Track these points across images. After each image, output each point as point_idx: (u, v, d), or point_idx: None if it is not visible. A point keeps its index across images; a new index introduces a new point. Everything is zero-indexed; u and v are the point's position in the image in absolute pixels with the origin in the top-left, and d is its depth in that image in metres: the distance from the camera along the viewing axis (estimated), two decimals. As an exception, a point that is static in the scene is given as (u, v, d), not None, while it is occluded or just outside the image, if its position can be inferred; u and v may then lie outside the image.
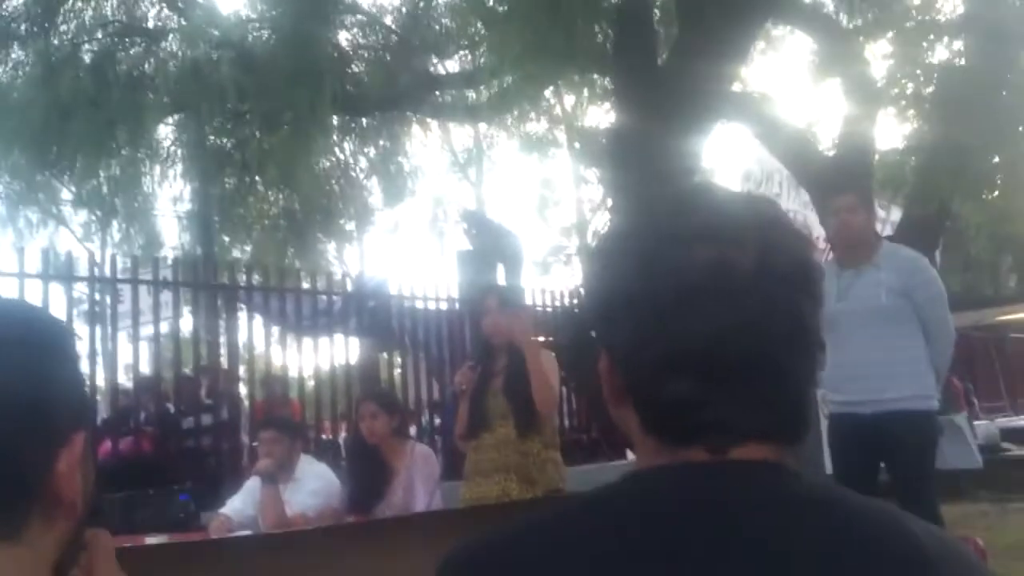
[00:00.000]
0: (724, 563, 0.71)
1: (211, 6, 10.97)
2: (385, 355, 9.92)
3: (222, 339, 8.34)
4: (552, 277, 22.62)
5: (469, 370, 4.36)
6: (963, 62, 9.70)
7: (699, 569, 0.71)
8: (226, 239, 14.22)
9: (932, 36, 10.23)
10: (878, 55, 10.76)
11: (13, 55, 9.61)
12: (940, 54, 10.40)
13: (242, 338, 8.70)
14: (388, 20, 11.68)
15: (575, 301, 10.62)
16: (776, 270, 0.77)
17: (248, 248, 15.44)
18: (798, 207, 12.18)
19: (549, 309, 10.23)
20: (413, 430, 8.07)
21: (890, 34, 10.44)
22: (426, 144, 16.99)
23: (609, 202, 14.63)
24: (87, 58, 9.69)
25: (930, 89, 9.89)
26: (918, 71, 10.11)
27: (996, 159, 9.43)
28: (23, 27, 9.48)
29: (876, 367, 3.79)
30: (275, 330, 8.64)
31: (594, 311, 0.85)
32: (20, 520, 0.75)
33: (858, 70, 9.82)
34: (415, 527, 3.73)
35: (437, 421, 9.81)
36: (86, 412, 0.88)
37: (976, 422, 11.57)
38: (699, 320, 0.76)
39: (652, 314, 0.78)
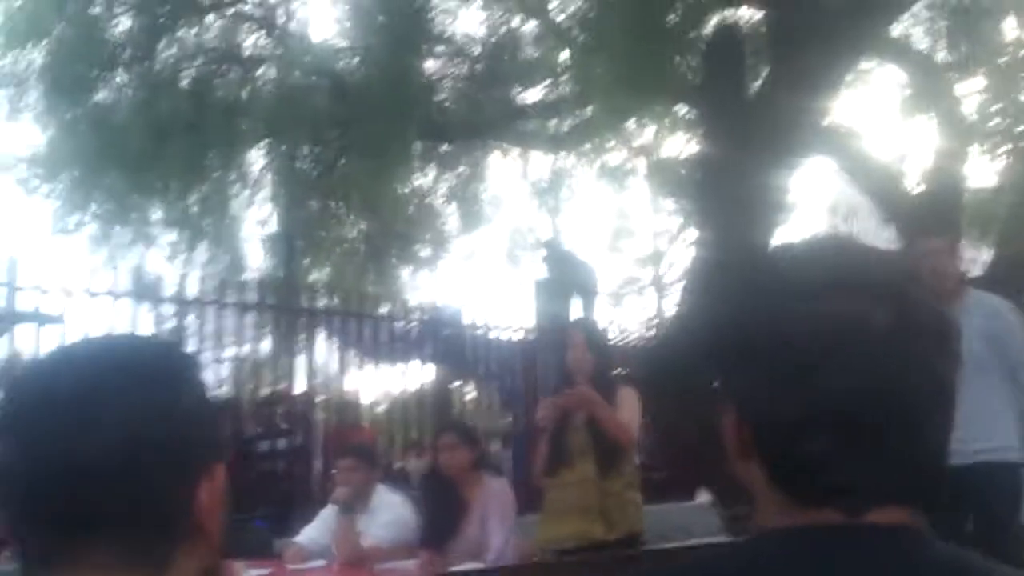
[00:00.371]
0: None
1: (306, 35, 11.25)
2: (458, 384, 9.97)
3: (300, 362, 8.47)
4: (625, 308, 22.42)
5: (552, 405, 4.32)
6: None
7: None
8: (306, 262, 14.47)
9: (1024, 74, 9.96)
10: (971, 91, 10.50)
11: (117, 79, 9.96)
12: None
13: (319, 362, 8.82)
14: (475, 49, 11.81)
15: (650, 335, 10.52)
16: (913, 327, 0.75)
17: (327, 271, 15.68)
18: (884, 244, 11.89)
19: (626, 342, 10.15)
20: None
21: (983, 70, 10.18)
22: (505, 173, 17.10)
23: (690, 233, 14.49)
24: (186, 83, 10.01)
25: (1021, 127, 9.62)
26: (1011, 108, 9.84)
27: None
28: (127, 52, 9.84)
29: (964, 418, 3.66)
30: (351, 355, 8.74)
31: (721, 362, 0.84)
32: (168, 553, 0.78)
33: (949, 106, 9.60)
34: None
35: (509, 452, 9.79)
36: (222, 442, 0.90)
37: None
38: (837, 377, 0.74)
39: (787, 369, 0.76)
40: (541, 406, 4.48)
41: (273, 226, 13.03)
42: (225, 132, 9.53)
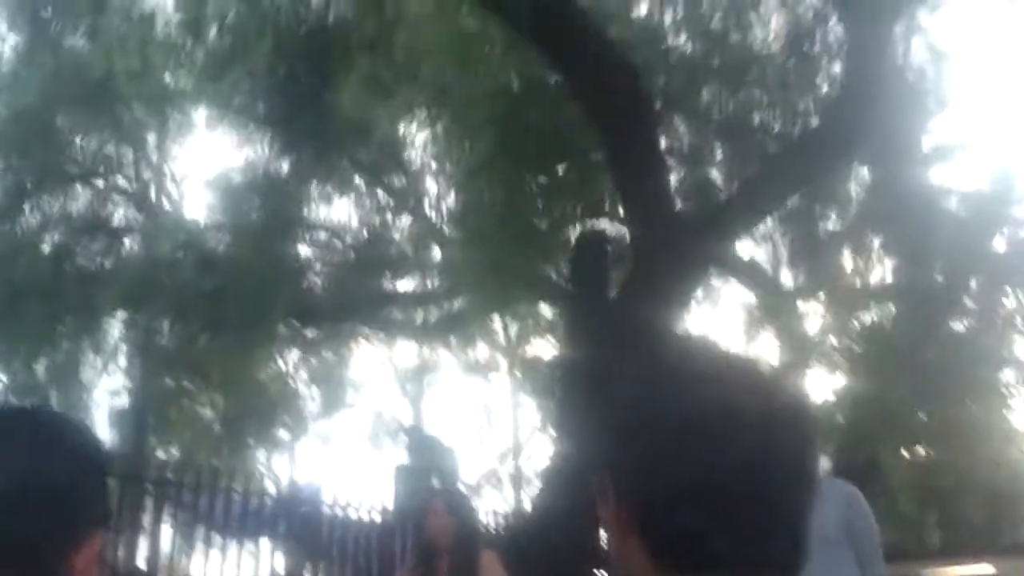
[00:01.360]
0: None
1: (178, 210, 11.29)
2: (311, 565, 9.51)
3: (144, 539, 7.94)
4: (484, 501, 22.12)
5: (411, 572, 4.26)
6: (891, 325, 10.25)
7: None
8: (155, 439, 13.84)
9: (862, 299, 10.86)
10: (812, 312, 11.36)
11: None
12: (871, 315, 10.99)
13: (164, 538, 8.28)
14: (348, 238, 12.06)
15: (509, 525, 10.42)
16: (779, 416, 0.84)
17: (176, 450, 15.00)
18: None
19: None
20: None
21: (823, 295, 11.06)
22: (370, 358, 17.11)
23: (549, 430, 14.68)
24: (47, 249, 9.78)
25: (859, 347, 10.37)
26: (849, 330, 10.64)
27: (923, 416, 9.79)
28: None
29: None
30: (200, 531, 8.26)
31: (604, 450, 0.89)
32: None
33: (791, 324, 10.31)
34: None
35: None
36: (107, 515, 0.92)
37: None
38: (710, 456, 0.80)
39: (661, 447, 0.82)
40: (401, 573, 4.39)
41: (125, 399, 12.52)
42: (83, 300, 9.27)
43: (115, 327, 11.47)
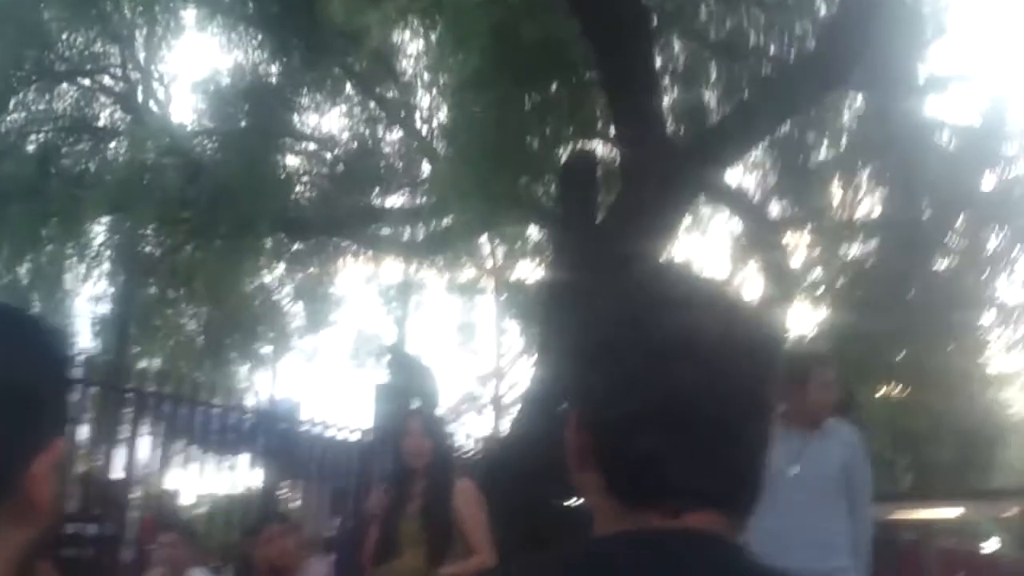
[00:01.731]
0: None
1: (166, 114, 11.11)
2: (288, 482, 9.62)
3: (121, 448, 7.99)
4: (463, 425, 22.36)
5: (384, 494, 4.25)
6: (875, 261, 10.29)
7: None
8: (137, 349, 13.86)
9: (849, 233, 10.88)
10: (798, 245, 11.37)
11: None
12: (855, 250, 11.02)
13: (142, 448, 8.32)
14: (337, 150, 11.94)
15: (485, 449, 10.55)
16: (740, 343, 0.83)
17: (159, 361, 15.04)
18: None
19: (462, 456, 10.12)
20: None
21: (810, 227, 11.07)
22: (355, 275, 17.10)
23: (531, 354, 14.77)
24: (32, 149, 9.64)
25: (842, 282, 10.41)
26: (833, 265, 10.68)
27: (901, 355, 9.88)
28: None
29: (820, 537, 3.77)
30: (178, 444, 8.33)
31: (569, 366, 0.89)
32: None
33: (777, 257, 10.32)
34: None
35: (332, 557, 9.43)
36: (67, 420, 0.88)
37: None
38: (666, 379, 0.80)
39: (625, 369, 0.81)
40: (374, 494, 4.41)
41: (107, 306, 12.50)
42: (68, 202, 9.18)
43: (99, 232, 11.41)
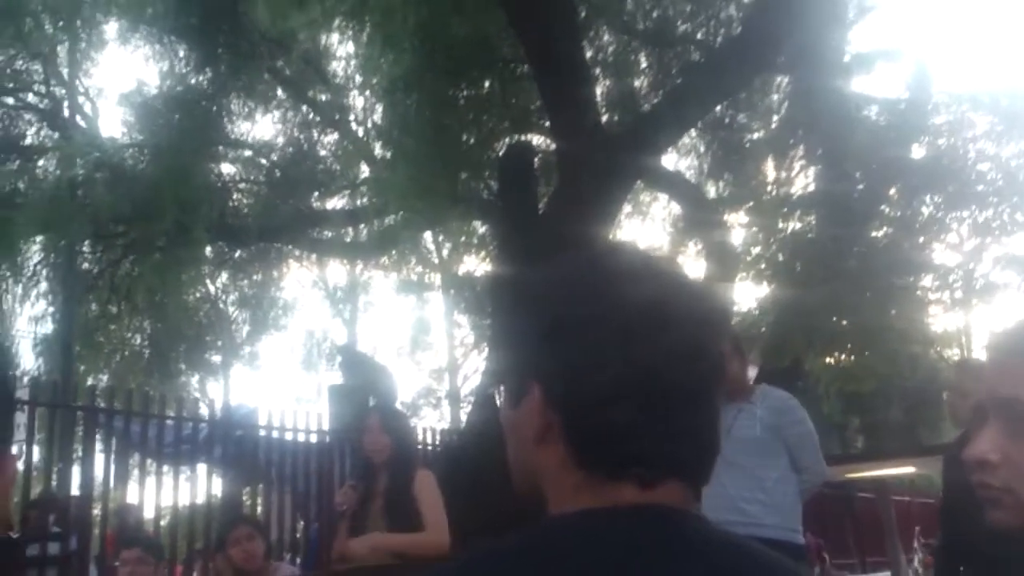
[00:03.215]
0: None
1: (94, 128, 10.89)
2: (249, 488, 9.52)
3: (76, 466, 7.85)
4: (420, 419, 22.38)
5: (351, 489, 4.22)
6: (813, 234, 10.47)
7: None
8: (82, 367, 13.61)
9: (786, 209, 11.05)
10: (737, 223, 11.52)
11: None
12: (794, 225, 11.20)
13: (99, 465, 8.18)
14: (273, 156, 11.82)
15: (445, 441, 10.56)
16: (703, 314, 0.85)
17: (105, 378, 14.80)
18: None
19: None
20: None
21: (747, 206, 11.22)
22: (301, 280, 16.97)
23: (483, 347, 14.81)
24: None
25: (783, 256, 10.58)
26: (772, 239, 10.84)
27: (844, 322, 10.08)
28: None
29: (754, 495, 4.02)
30: (134, 458, 8.20)
31: (529, 344, 0.87)
32: None
33: (718, 236, 10.45)
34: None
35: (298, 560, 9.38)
36: (11, 434, 0.88)
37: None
38: (637, 351, 0.80)
39: (597, 341, 0.81)
40: (340, 491, 4.38)
41: (48, 325, 12.27)
42: (-1, 224, 8.97)
43: (34, 251, 11.16)
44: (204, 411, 9.57)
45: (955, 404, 3.88)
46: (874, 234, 10.48)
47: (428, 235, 13.83)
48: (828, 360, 11.54)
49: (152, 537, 6.51)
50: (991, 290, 10.30)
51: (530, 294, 0.90)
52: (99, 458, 8.14)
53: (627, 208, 11.59)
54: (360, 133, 11.21)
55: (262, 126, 11.60)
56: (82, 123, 10.87)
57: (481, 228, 11.47)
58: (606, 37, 8.70)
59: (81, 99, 10.98)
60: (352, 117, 11.37)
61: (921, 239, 10.54)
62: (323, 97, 11.25)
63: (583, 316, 0.82)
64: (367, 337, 22.98)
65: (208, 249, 11.17)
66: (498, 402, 7.68)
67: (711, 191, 11.43)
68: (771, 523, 3.96)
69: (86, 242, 10.42)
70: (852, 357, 11.19)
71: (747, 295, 11.61)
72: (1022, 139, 9.63)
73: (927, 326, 12.43)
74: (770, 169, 11.32)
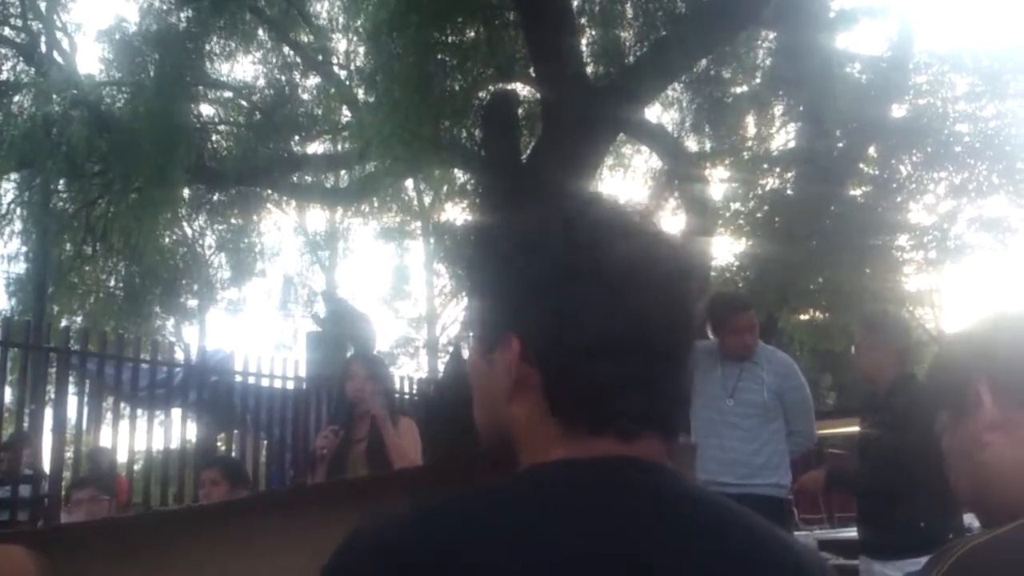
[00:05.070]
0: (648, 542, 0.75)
1: (71, 65, 10.69)
2: (224, 434, 9.53)
3: (49, 409, 7.83)
4: (398, 368, 22.45)
5: (332, 434, 4.23)
6: (792, 191, 10.52)
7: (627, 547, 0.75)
8: (55, 308, 13.51)
9: (765, 166, 11.08)
10: (718, 178, 11.56)
11: None
12: (773, 181, 11.25)
13: (72, 408, 8.15)
14: (254, 98, 11.66)
15: (425, 388, 10.64)
16: (676, 268, 0.86)
17: (79, 319, 14.70)
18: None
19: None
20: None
21: (728, 161, 11.25)
22: (280, 225, 16.86)
23: (462, 296, 14.83)
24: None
25: (761, 212, 10.63)
26: (751, 195, 10.89)
27: (820, 280, 10.18)
28: None
29: (751, 457, 4.12)
30: (108, 401, 8.17)
31: (509, 296, 0.87)
32: None
33: (698, 190, 10.48)
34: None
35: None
36: None
37: (796, 533, 12.07)
38: (618, 309, 0.80)
39: (586, 296, 0.81)
40: (321, 435, 4.40)
41: (22, 265, 12.16)
42: (-27, 160, 8.84)
43: (8, 189, 11.03)
44: (179, 355, 9.54)
45: (859, 360, 3.85)
46: (852, 192, 10.56)
47: (410, 182, 13.78)
48: (802, 317, 11.70)
49: (104, 474, 6.48)
50: (964, 251, 10.41)
51: (512, 245, 0.89)
52: (72, 400, 8.13)
53: (609, 160, 11.57)
54: (343, 77, 11.08)
55: (243, 67, 11.41)
56: (59, 59, 10.67)
57: (463, 176, 11.43)
58: (593, -14, 8.64)
59: (59, 34, 10.78)
60: (335, 60, 11.24)
61: (898, 199, 10.61)
62: (306, 39, 11.08)
63: (566, 270, 0.82)
64: (346, 284, 22.91)
65: (186, 191, 11.06)
66: (465, 352, 7.73)
67: (692, 145, 11.43)
68: (763, 481, 4.08)
69: (61, 181, 10.28)
70: (826, 315, 11.36)
71: (725, 249, 11.68)
72: (1001, 101, 9.66)
73: (901, 285, 12.60)
74: (751, 125, 11.33)
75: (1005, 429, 1.09)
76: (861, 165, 10.35)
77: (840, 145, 9.86)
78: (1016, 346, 1.12)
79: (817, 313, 11.65)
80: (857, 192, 10.67)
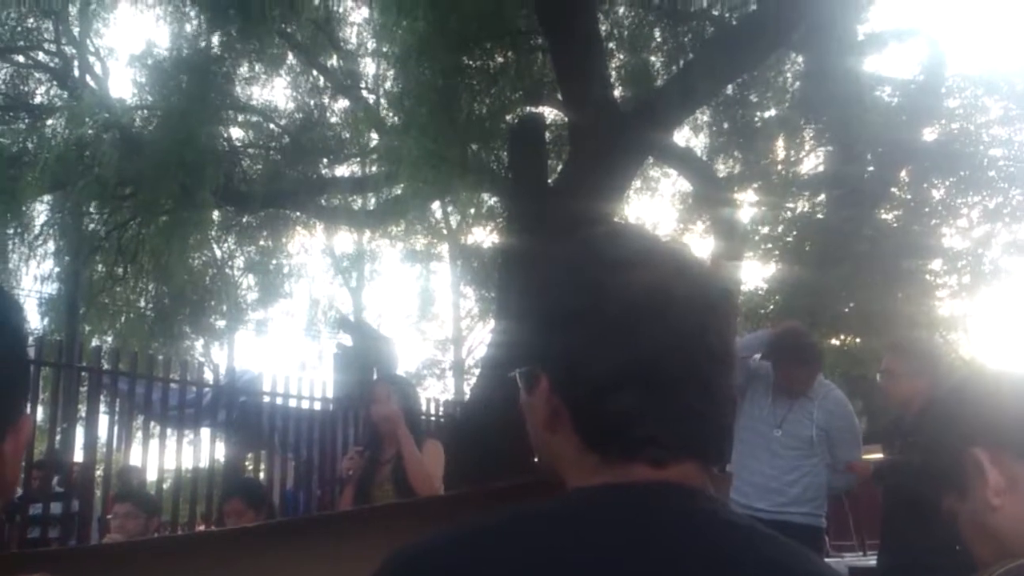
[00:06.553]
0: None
1: (103, 89, 10.84)
2: (252, 454, 9.55)
3: (80, 427, 7.89)
4: (424, 390, 22.43)
5: (357, 455, 4.22)
6: (823, 215, 10.43)
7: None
8: (87, 328, 13.65)
9: (795, 189, 11.01)
10: (747, 202, 11.49)
11: None
12: (803, 205, 11.17)
13: (102, 427, 8.21)
14: (282, 121, 11.76)
15: (451, 411, 10.61)
16: (706, 298, 0.86)
17: (110, 339, 14.83)
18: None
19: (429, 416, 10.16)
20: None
21: (757, 185, 11.18)
22: (307, 247, 16.95)
23: (490, 318, 14.81)
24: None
25: (791, 236, 10.55)
26: (781, 219, 10.81)
27: (851, 304, 10.06)
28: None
29: (787, 487, 4.15)
30: (138, 421, 8.22)
31: (533, 334, 0.90)
32: None
33: (727, 214, 10.41)
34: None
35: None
36: (29, 397, 0.86)
37: (827, 559, 11.88)
38: (644, 338, 0.82)
39: (598, 331, 0.83)
40: (347, 456, 4.39)
41: (54, 285, 12.29)
42: (7, 182, 8.96)
43: (42, 211, 11.17)
44: (208, 376, 9.58)
45: (888, 387, 3.84)
46: (884, 216, 10.45)
47: (437, 205, 13.83)
48: (833, 341, 11.56)
49: (146, 493, 6.52)
50: (999, 275, 10.26)
51: (534, 284, 0.92)
52: (103, 419, 8.19)
53: (637, 183, 11.53)
54: (371, 100, 11.14)
55: (272, 91, 11.58)
56: (92, 83, 10.82)
57: (490, 200, 11.45)
58: (621, 10, 8.63)
59: (91, 59, 10.92)
60: (363, 84, 11.31)
61: (932, 223, 10.49)
62: (334, 63, 11.18)
63: (583, 306, 0.84)
64: (373, 306, 22.98)
65: (215, 213, 11.16)
66: (501, 374, 7.67)
67: (721, 169, 11.37)
68: (797, 510, 4.09)
69: (93, 203, 10.40)
70: (857, 340, 11.21)
71: (754, 274, 11.59)
72: (1036, 126, 9.55)
73: (934, 310, 12.43)
74: (781, 148, 11.25)
75: (1012, 489, 1.09)
76: (893, 189, 10.23)
77: (871, 169, 9.77)
78: (998, 403, 1.12)
79: (848, 338, 11.50)
80: (889, 216, 10.55)
